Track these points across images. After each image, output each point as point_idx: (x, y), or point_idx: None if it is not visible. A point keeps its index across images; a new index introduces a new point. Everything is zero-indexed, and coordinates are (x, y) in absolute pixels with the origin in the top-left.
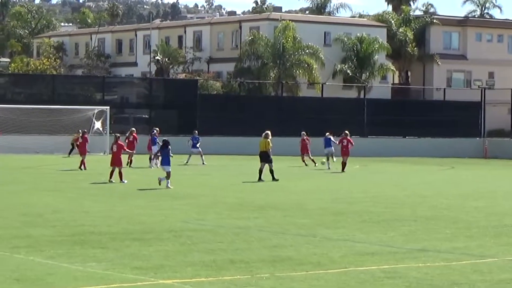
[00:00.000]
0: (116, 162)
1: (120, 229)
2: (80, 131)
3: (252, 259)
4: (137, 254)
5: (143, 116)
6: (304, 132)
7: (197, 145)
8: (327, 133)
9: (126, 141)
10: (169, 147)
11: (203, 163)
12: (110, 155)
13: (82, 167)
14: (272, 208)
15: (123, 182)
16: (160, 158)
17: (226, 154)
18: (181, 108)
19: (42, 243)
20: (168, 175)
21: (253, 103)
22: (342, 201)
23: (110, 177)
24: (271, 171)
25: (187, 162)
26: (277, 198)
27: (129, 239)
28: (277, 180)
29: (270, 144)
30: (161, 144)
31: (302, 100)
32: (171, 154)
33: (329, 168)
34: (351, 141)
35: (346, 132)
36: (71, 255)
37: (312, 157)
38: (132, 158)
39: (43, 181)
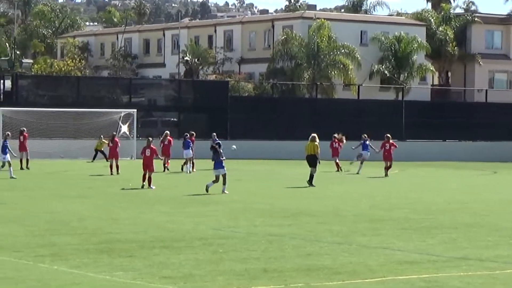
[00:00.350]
0: (148, 166)
1: (148, 237)
2: (102, 136)
3: (285, 268)
4: (166, 262)
5: (172, 119)
6: (335, 135)
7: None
8: (364, 136)
9: (161, 145)
10: (221, 150)
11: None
12: (138, 160)
13: (114, 171)
14: (305, 215)
15: (152, 188)
16: (194, 163)
17: (258, 158)
18: (211, 111)
19: (67, 251)
20: (221, 179)
21: (286, 106)
22: (380, 207)
23: (143, 181)
24: (311, 176)
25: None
26: (311, 204)
27: (158, 247)
28: (313, 186)
29: (319, 147)
30: (213, 146)
31: (338, 102)
32: (223, 157)
33: (358, 173)
34: (395, 144)
35: (388, 135)
36: (98, 264)
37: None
38: (169, 162)
39: (68, 187)
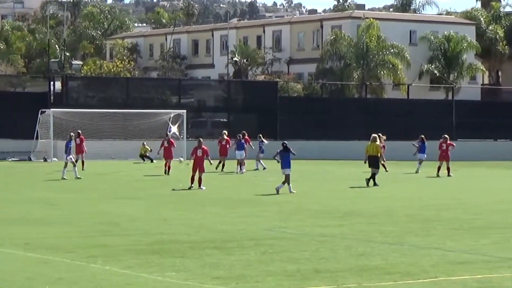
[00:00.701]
0: (199, 167)
1: (199, 238)
2: (144, 143)
3: (337, 268)
4: (217, 263)
5: (222, 120)
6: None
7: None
8: (422, 137)
9: (219, 144)
10: (291, 150)
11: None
12: (190, 161)
13: (167, 171)
14: (357, 215)
15: (202, 188)
16: (245, 164)
17: (308, 158)
18: (261, 112)
19: (119, 252)
20: (286, 179)
21: (335, 106)
22: (431, 207)
23: (191, 183)
24: (373, 175)
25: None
26: (363, 204)
27: (209, 248)
28: (377, 185)
29: (380, 148)
30: (285, 147)
31: (387, 102)
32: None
33: (417, 172)
34: (452, 143)
35: (446, 136)
36: (149, 264)
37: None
38: (225, 162)
39: (119, 188)
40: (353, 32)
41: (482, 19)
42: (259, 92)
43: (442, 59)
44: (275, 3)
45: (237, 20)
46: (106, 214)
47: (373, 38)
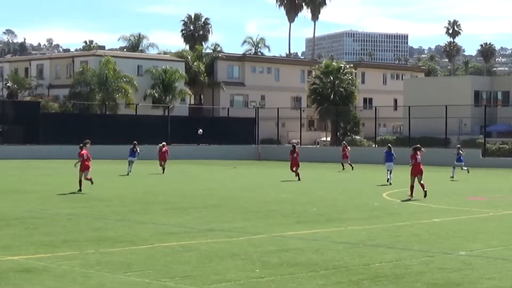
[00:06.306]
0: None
1: None
2: None
3: (80, 239)
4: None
5: None
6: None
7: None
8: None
9: None
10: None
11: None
12: None
13: None
14: (96, 200)
15: None
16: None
17: (63, 158)
18: (27, 124)
19: None
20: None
21: (84, 119)
22: (151, 194)
23: None
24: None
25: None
26: (100, 191)
27: None
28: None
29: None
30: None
31: (121, 117)
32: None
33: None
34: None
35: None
36: None
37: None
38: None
39: None
40: (96, 66)
41: (189, 57)
42: (26, 109)
43: (161, 86)
44: (39, 44)
45: (10, 56)
46: None
47: (110, 70)
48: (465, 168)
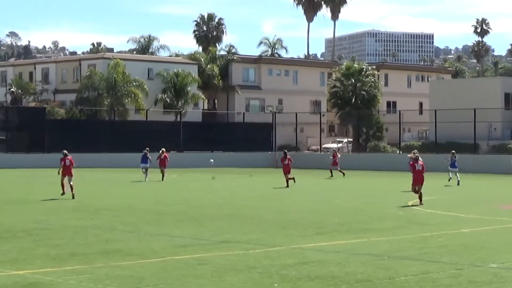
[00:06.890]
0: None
1: None
2: None
3: (89, 252)
4: None
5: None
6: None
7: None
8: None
9: None
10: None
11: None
12: None
13: None
14: (105, 210)
15: None
16: None
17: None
18: (33, 130)
19: None
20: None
21: (91, 126)
22: (162, 203)
23: None
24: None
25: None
26: (109, 201)
27: None
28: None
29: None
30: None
31: (131, 123)
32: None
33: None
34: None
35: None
36: None
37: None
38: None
39: None
40: (105, 69)
41: (202, 60)
42: (31, 116)
43: (172, 90)
44: (44, 46)
45: (14, 60)
46: None
47: (119, 74)
48: (458, 176)
